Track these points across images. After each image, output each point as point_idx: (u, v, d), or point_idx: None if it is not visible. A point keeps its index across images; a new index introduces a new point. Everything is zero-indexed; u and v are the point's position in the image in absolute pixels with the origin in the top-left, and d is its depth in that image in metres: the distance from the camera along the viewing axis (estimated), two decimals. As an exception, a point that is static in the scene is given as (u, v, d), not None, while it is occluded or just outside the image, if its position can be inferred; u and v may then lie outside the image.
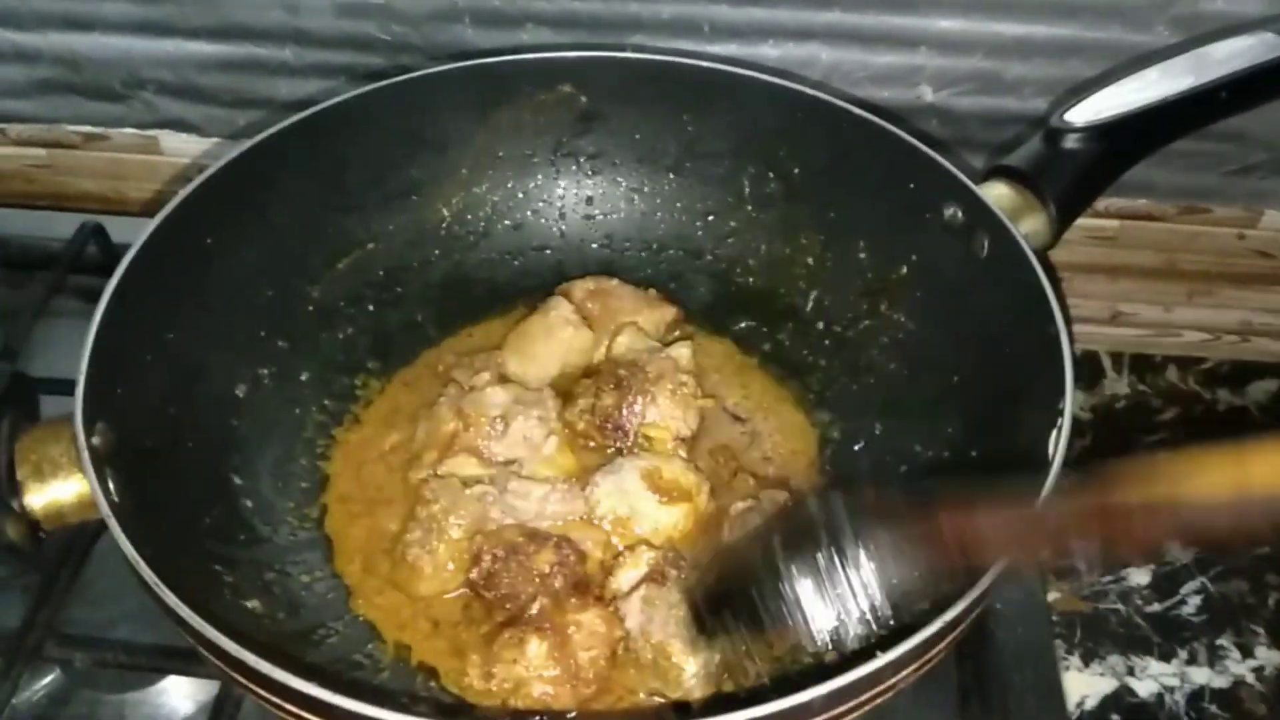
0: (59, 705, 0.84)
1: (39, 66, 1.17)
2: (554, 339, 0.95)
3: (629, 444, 0.89)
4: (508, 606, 0.78)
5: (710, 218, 1.07)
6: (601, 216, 1.09)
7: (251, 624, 0.77)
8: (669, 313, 1.02)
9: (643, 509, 0.85)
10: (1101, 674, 0.90)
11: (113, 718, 0.84)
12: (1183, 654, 0.92)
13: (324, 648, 0.80)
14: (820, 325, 1.02)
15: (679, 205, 1.08)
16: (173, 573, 0.64)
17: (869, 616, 0.61)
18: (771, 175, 1.04)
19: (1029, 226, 0.87)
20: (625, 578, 0.80)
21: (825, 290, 1.02)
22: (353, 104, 0.96)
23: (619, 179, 1.08)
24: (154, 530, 0.69)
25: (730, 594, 0.67)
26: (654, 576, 0.79)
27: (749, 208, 1.06)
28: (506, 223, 1.07)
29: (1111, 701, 0.89)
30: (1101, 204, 1.09)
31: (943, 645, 0.64)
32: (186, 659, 0.80)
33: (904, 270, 0.96)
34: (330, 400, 0.97)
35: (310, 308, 0.98)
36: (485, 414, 0.89)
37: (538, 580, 0.78)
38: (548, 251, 1.08)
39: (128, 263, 0.80)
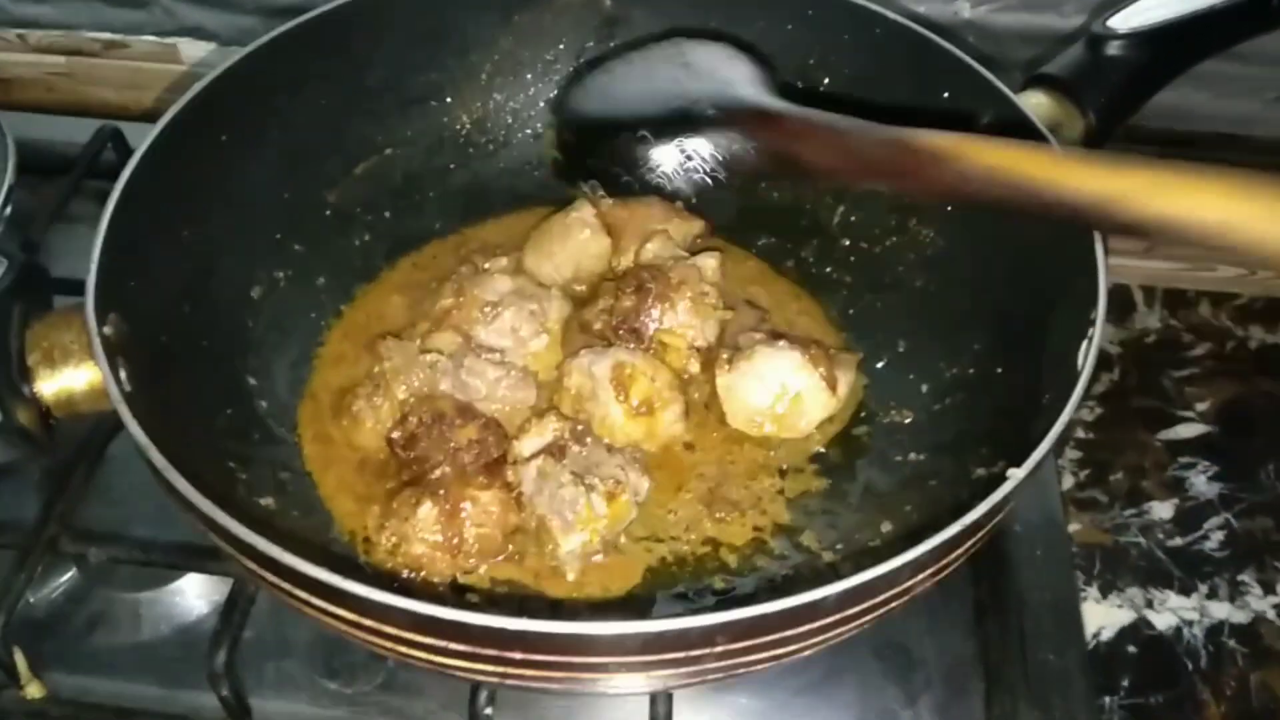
0: (75, 603, 0.85)
1: (59, -30, 1.16)
2: (570, 240, 0.94)
3: (643, 348, 0.88)
4: (415, 469, 0.80)
5: (732, 133, 1.04)
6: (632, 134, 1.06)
7: (265, 520, 0.76)
8: (696, 225, 0.99)
9: (603, 400, 0.84)
10: (1119, 606, 0.90)
11: (128, 616, 0.85)
12: (1203, 588, 0.91)
13: (336, 547, 0.80)
14: (846, 242, 1.00)
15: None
16: (186, 467, 0.63)
17: (705, 167, 0.76)
18: (800, 85, 1.00)
19: (1068, 137, 0.84)
20: (527, 444, 0.81)
21: (852, 206, 1.00)
22: (372, 1, 0.93)
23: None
24: (168, 424, 0.68)
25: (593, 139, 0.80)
26: (553, 449, 0.80)
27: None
28: (527, 131, 1.05)
29: (1129, 633, 0.88)
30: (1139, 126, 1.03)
31: (960, 552, 0.63)
32: (202, 556, 0.81)
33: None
34: (346, 305, 0.95)
35: (327, 212, 0.97)
36: (482, 297, 0.89)
37: (451, 451, 0.79)
38: (568, 163, 1.06)
39: (141, 154, 0.78)
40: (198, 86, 0.84)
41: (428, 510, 0.76)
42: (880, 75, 0.95)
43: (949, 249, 0.93)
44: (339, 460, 0.85)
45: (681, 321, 0.89)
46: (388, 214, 1.00)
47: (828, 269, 0.99)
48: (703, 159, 0.81)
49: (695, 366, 0.90)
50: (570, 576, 0.78)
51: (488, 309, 0.89)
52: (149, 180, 0.78)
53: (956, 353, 0.88)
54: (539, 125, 1.05)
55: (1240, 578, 0.92)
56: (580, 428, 0.82)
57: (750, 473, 0.86)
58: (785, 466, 0.86)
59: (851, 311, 0.96)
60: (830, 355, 0.87)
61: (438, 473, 0.78)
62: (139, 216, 0.77)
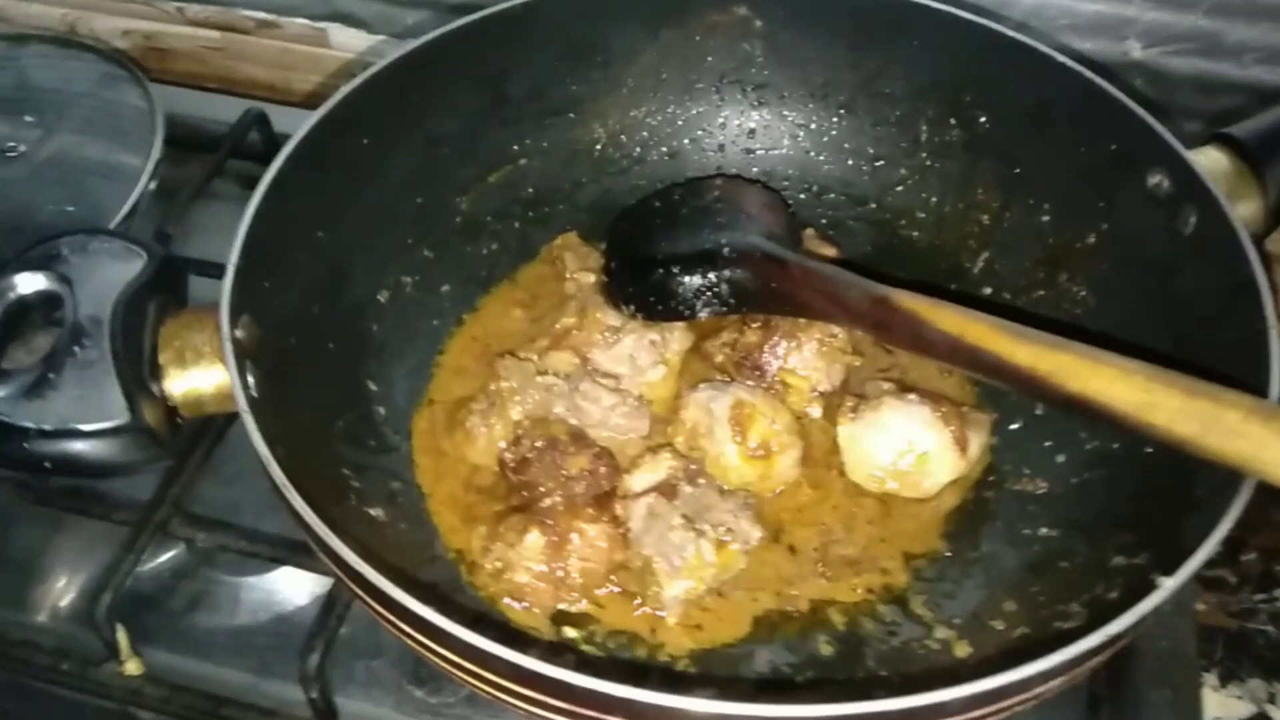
0: (178, 579, 0.87)
1: (217, -52, 1.18)
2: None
3: (764, 387, 0.85)
4: (525, 494, 0.79)
5: (879, 163, 1.00)
6: (762, 152, 1.03)
7: (373, 532, 0.76)
8: (829, 253, 0.96)
9: (719, 438, 0.81)
10: (1240, 696, 0.85)
11: (228, 598, 0.86)
12: None
13: (440, 564, 0.79)
14: (988, 290, 0.95)
15: (847, 147, 1.01)
16: (302, 474, 0.64)
17: (721, 298, 0.85)
18: (954, 122, 0.96)
19: (1244, 209, 0.78)
20: (639, 479, 0.79)
21: (999, 253, 0.95)
22: (521, 10, 0.92)
23: (785, 113, 1.02)
24: (288, 428, 0.68)
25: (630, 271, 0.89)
26: (665, 488, 0.78)
27: (924, 155, 0.98)
28: (663, 150, 1.03)
29: None
30: None
31: (1097, 660, 0.58)
32: (305, 552, 0.79)
33: (1091, 239, 0.88)
34: (468, 314, 0.95)
35: (458, 219, 0.96)
36: (604, 321, 0.87)
37: (563, 479, 0.78)
38: (702, 184, 1.03)
39: (286, 155, 0.79)
40: (345, 89, 0.84)
41: (535, 539, 0.75)
42: (1042, 118, 0.90)
43: (1100, 310, 0.87)
44: (449, 475, 0.84)
45: (806, 362, 0.86)
46: (517, 224, 0.99)
47: (966, 318, 0.94)
48: (719, 291, 0.86)
49: (817, 411, 0.87)
50: (671, 621, 0.76)
51: (608, 333, 0.87)
52: (291, 181, 0.79)
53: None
54: (675, 144, 1.03)
55: (1371, 675, 0.85)
56: (694, 467, 0.80)
57: (866, 530, 0.82)
58: (904, 527, 0.82)
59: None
60: (962, 413, 0.83)
61: (548, 501, 0.77)
62: (280, 216, 0.77)
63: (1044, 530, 0.80)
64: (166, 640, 0.82)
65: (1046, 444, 0.85)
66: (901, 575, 0.80)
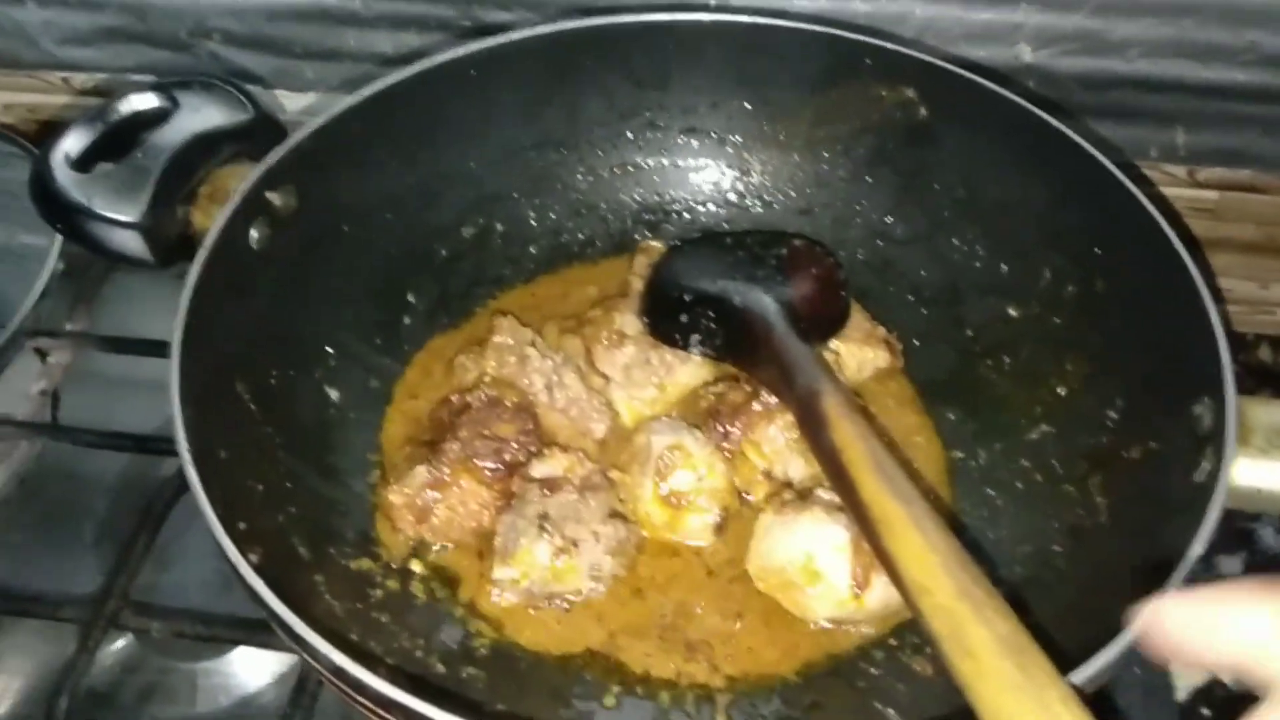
0: (129, 671, 0.83)
1: (104, 14, 1.10)
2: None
3: (726, 446, 0.83)
4: (447, 435, 0.82)
5: (991, 296, 0.92)
6: (882, 245, 0.99)
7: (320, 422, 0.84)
8: (884, 360, 0.91)
9: (645, 470, 0.81)
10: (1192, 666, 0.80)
11: (184, 686, 0.83)
12: None
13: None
14: (1025, 462, 0.85)
15: (963, 260, 0.94)
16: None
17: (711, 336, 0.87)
18: (1077, 276, 0.86)
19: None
20: (538, 467, 0.80)
21: (1057, 432, 0.85)
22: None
23: (919, 212, 0.96)
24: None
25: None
26: (552, 483, 0.79)
27: (1034, 301, 0.89)
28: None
29: (1203, 694, 0.83)
30: (1201, 174, 1.06)
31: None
32: (264, 630, 0.70)
33: (1136, 453, 0.77)
34: (545, 276, 1.01)
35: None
36: (615, 322, 0.89)
37: (481, 435, 0.81)
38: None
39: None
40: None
41: (420, 472, 0.80)
42: (1146, 297, 0.80)
43: (1105, 528, 0.77)
44: (425, 393, 0.90)
45: (773, 444, 0.82)
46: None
47: (992, 478, 0.86)
48: (712, 333, 0.88)
49: (759, 494, 0.83)
50: (493, 600, 0.78)
51: (615, 336, 0.89)
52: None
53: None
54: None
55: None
56: (595, 479, 0.80)
57: (727, 623, 0.78)
58: (768, 640, 0.77)
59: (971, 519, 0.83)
60: None
61: (454, 446, 0.81)
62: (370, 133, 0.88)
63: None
64: None
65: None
66: (722, 683, 0.75)
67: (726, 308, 0.86)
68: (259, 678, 0.85)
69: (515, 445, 0.82)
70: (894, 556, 0.61)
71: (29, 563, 0.91)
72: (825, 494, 0.79)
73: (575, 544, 0.76)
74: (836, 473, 0.69)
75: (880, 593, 0.75)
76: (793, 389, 0.77)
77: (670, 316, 0.88)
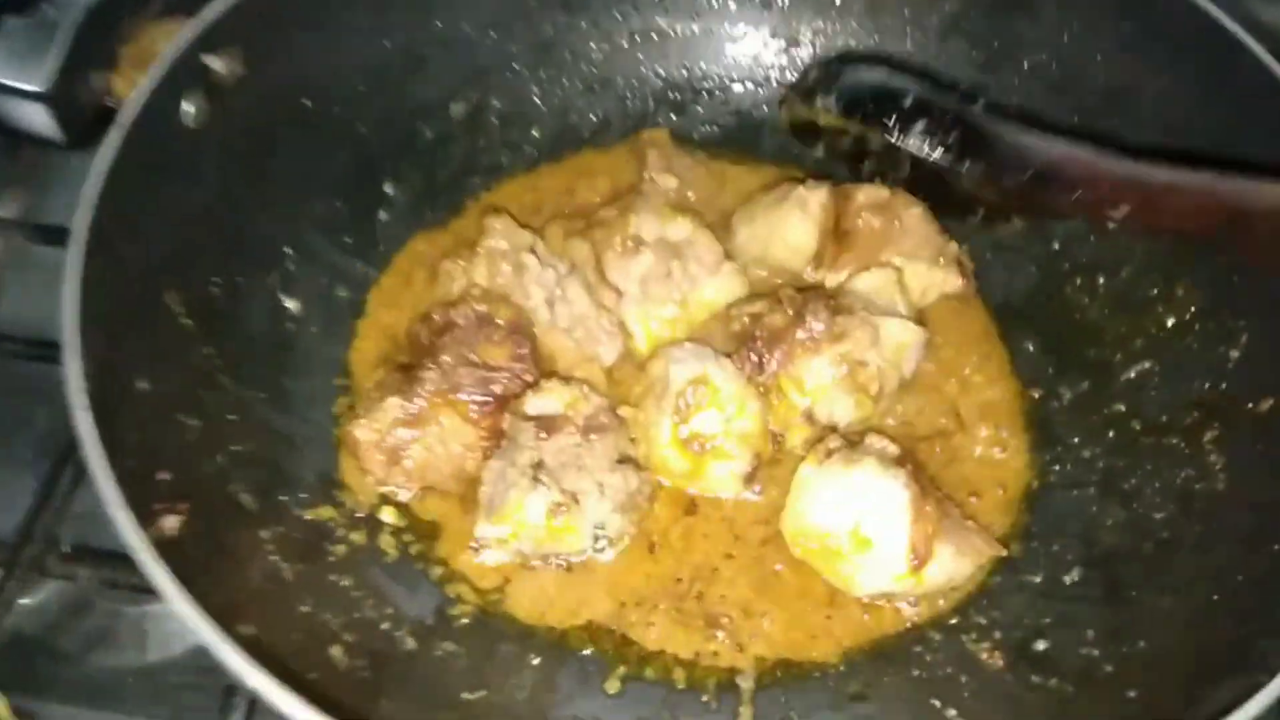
0: (72, 614, 0.72)
1: None
2: (775, 215, 0.76)
3: (759, 380, 0.69)
4: (425, 358, 0.68)
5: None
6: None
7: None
8: (954, 283, 0.76)
9: (661, 407, 0.68)
10: None
11: (132, 633, 0.72)
12: None
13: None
14: (1120, 406, 0.71)
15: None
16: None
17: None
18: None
19: None
20: (533, 403, 0.67)
21: (1161, 372, 0.71)
22: None
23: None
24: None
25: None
26: (549, 423, 0.65)
27: (1140, 211, 0.73)
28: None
29: None
30: None
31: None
32: None
33: (1267, 406, 0.62)
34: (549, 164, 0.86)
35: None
36: (632, 226, 0.75)
37: (466, 360, 0.67)
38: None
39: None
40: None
41: (391, 405, 0.66)
42: None
43: (1219, 492, 0.64)
44: (401, 307, 0.76)
45: (816, 379, 0.68)
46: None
47: (1074, 422, 0.72)
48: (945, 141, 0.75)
49: (796, 438, 0.69)
50: (476, 559, 0.66)
51: (630, 243, 0.74)
52: None
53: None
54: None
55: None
56: (603, 420, 0.67)
57: (756, 596, 0.66)
58: (806, 619, 0.65)
59: (1056, 478, 0.70)
60: (961, 525, 0.63)
61: (433, 374, 0.67)
62: None
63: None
64: (62, 691, 0.68)
65: (1048, 617, 0.63)
66: (748, 665, 0.63)
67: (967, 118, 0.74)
68: (208, 617, 0.73)
69: (507, 374, 0.68)
70: None
71: (-48, 482, 0.80)
72: (879, 442, 0.66)
73: (576, 498, 0.63)
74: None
75: (946, 566, 0.62)
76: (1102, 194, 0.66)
77: (891, 98, 0.76)
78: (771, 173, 0.83)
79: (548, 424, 0.66)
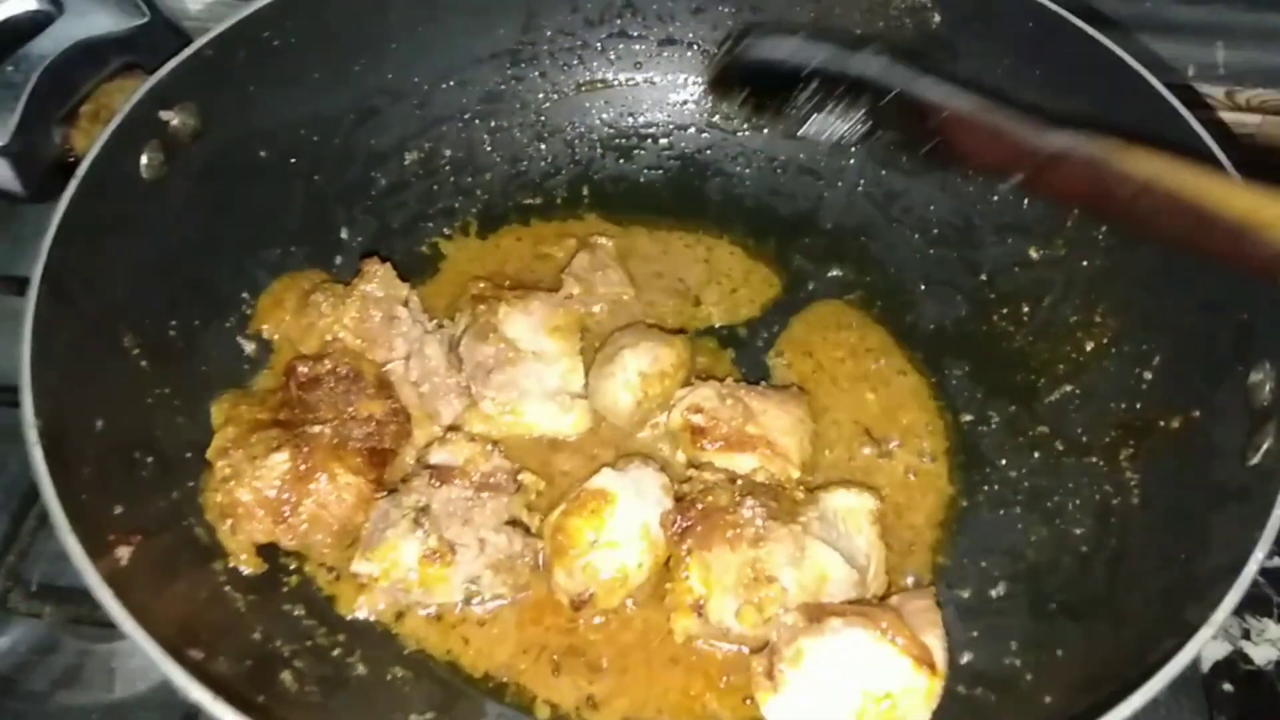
0: (40, 654, 0.75)
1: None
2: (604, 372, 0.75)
3: (678, 548, 0.66)
4: (297, 412, 0.68)
5: (1011, 237, 0.80)
6: (885, 174, 0.87)
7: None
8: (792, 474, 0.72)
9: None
10: (1214, 636, 0.69)
11: (101, 670, 0.74)
12: None
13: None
14: (1044, 428, 0.74)
15: (978, 193, 0.83)
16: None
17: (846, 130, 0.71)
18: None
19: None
20: (436, 453, 0.68)
21: (1082, 395, 0.75)
22: None
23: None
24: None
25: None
26: (445, 473, 0.66)
27: (1060, 242, 0.78)
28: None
29: (1224, 668, 0.74)
30: (1241, 96, 0.96)
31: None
32: None
33: (1176, 423, 0.66)
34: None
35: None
36: (495, 314, 0.76)
37: (345, 416, 0.68)
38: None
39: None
40: None
41: (280, 460, 0.66)
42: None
43: (1133, 509, 0.67)
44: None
45: (719, 573, 0.64)
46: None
47: (1003, 444, 0.75)
48: (860, 118, 0.72)
49: (678, 626, 0.66)
50: (358, 605, 0.66)
51: (488, 331, 0.75)
52: None
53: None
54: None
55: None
56: (500, 478, 0.67)
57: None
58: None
59: (981, 499, 0.72)
60: (901, 611, 0.62)
61: (318, 429, 0.68)
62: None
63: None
64: None
65: (975, 631, 0.65)
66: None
67: (875, 87, 0.71)
68: (177, 655, 0.74)
69: (391, 429, 0.69)
70: None
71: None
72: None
73: (453, 548, 0.64)
74: (1157, 206, 0.57)
75: (936, 640, 0.61)
76: (1015, 151, 0.65)
77: (793, 94, 0.72)
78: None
79: (443, 473, 0.67)
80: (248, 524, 0.64)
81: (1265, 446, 0.56)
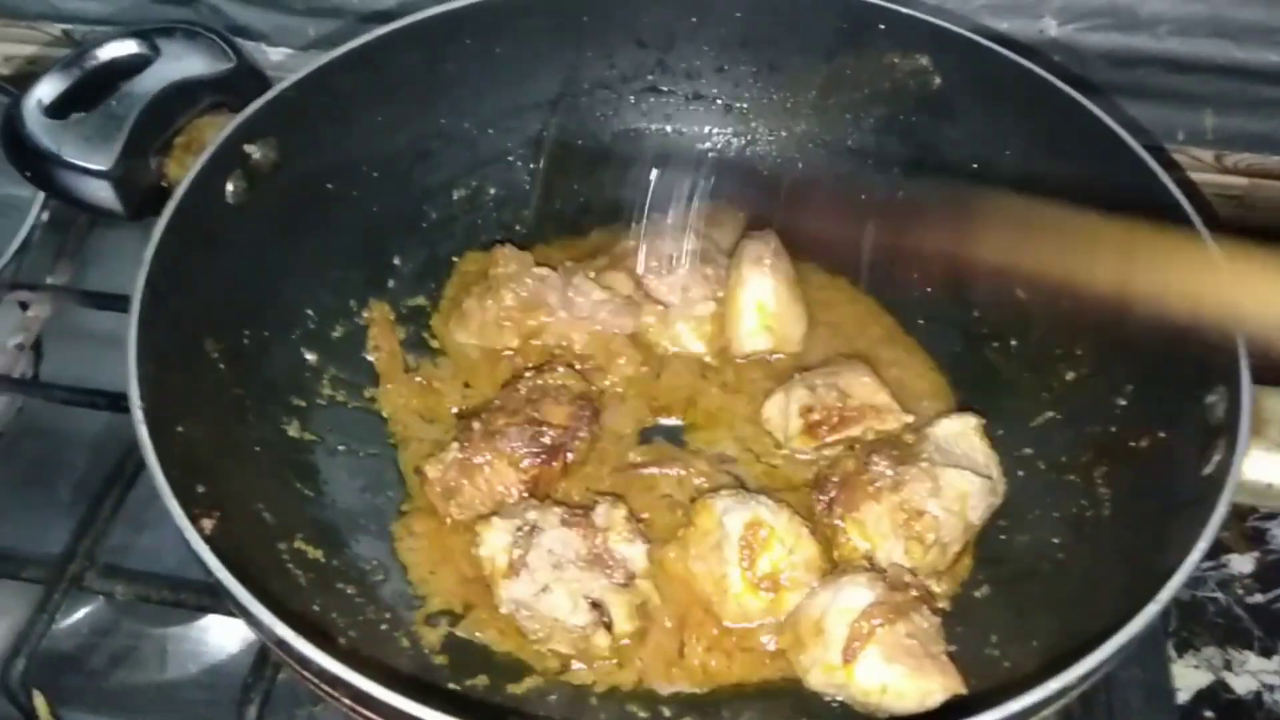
0: (99, 635, 0.81)
1: (106, -35, 1.07)
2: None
3: (827, 521, 0.75)
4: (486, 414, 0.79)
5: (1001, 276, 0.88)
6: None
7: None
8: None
9: (726, 557, 0.72)
10: (1196, 666, 0.83)
11: (154, 652, 0.81)
12: None
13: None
14: (1028, 450, 0.81)
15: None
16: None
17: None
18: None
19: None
20: (600, 503, 0.74)
21: (1063, 419, 0.82)
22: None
23: (930, 187, 0.91)
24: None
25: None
26: (581, 525, 0.72)
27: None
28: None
29: (1207, 697, 0.81)
30: (1230, 159, 1.04)
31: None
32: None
33: (1145, 443, 0.73)
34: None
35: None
36: (663, 248, 0.87)
37: (528, 419, 0.77)
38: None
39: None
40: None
41: (453, 448, 0.78)
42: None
43: (1105, 520, 0.74)
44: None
45: (875, 525, 0.73)
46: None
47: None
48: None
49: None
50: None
51: (667, 259, 0.87)
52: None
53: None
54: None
55: (1326, 643, 0.80)
56: (617, 566, 0.72)
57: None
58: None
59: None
60: (923, 653, 0.67)
61: (481, 427, 0.77)
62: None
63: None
64: (90, 702, 0.77)
65: (961, 627, 0.72)
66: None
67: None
68: (230, 645, 0.82)
69: (562, 430, 0.78)
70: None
71: (3, 521, 0.89)
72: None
73: (517, 570, 0.71)
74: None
75: (882, 677, 0.67)
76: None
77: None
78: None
79: (576, 521, 0.72)
80: (430, 495, 0.77)
81: (1216, 458, 0.63)
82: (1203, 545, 0.58)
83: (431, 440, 0.82)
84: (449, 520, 0.77)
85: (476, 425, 0.78)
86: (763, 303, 0.85)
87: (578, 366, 0.84)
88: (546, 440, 0.77)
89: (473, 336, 0.87)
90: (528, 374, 0.82)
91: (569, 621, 0.70)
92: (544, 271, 0.85)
